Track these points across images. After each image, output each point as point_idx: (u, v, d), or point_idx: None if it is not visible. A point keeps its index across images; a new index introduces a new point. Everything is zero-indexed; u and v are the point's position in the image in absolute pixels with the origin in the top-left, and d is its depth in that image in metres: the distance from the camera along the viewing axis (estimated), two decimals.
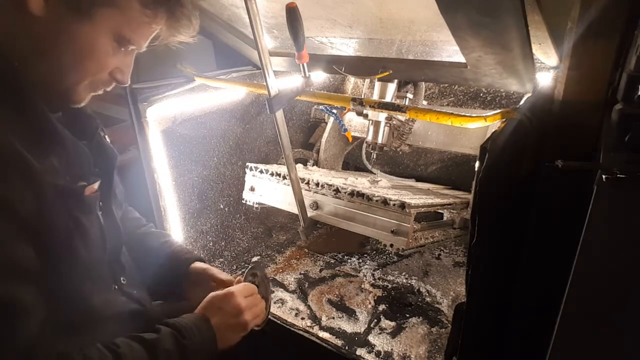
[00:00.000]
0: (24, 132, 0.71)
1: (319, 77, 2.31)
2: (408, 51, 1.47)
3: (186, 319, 0.93)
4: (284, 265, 1.97)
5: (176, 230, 1.76)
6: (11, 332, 0.67)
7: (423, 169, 2.31)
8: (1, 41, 0.71)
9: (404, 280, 1.82)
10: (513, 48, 1.00)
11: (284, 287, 1.80)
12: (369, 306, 1.68)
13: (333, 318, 1.61)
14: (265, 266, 1.94)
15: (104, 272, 0.90)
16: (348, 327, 1.57)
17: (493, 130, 1.18)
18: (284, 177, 1.72)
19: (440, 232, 1.66)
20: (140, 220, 1.23)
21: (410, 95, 1.69)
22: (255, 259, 1.11)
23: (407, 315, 1.62)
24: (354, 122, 2.19)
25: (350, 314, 1.64)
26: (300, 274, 1.89)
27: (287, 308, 1.67)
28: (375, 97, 1.65)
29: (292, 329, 1.53)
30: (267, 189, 1.80)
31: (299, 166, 2.03)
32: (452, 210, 1.77)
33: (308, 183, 1.68)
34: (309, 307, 1.68)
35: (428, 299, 1.71)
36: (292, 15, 1.19)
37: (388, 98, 1.63)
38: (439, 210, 1.75)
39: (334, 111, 2.19)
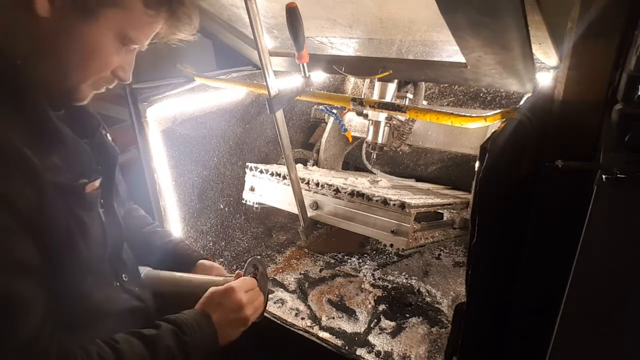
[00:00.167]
0: (26, 131, 0.72)
1: (319, 77, 2.31)
2: (408, 51, 1.47)
3: (187, 314, 0.93)
4: (284, 265, 1.97)
5: (176, 230, 1.76)
6: (11, 327, 0.67)
7: (423, 169, 2.31)
8: (5, 41, 0.72)
9: (404, 280, 1.82)
10: (513, 48, 1.00)
11: (284, 287, 1.80)
12: (369, 306, 1.68)
13: (333, 318, 1.61)
14: (266, 266, 1.93)
15: (105, 269, 0.90)
16: (348, 327, 1.57)
17: (493, 130, 1.18)
18: (284, 177, 1.72)
19: (440, 232, 1.66)
20: (145, 219, 1.24)
21: (410, 95, 1.69)
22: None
23: (407, 315, 1.62)
24: (354, 122, 2.19)
25: (350, 314, 1.64)
26: (300, 274, 1.89)
27: (287, 308, 1.67)
28: (375, 97, 1.65)
29: (292, 329, 1.53)
30: (267, 189, 1.80)
31: (299, 166, 2.03)
32: (452, 210, 1.77)
33: (308, 183, 1.68)
34: (309, 307, 1.68)
35: (428, 299, 1.71)
36: (292, 15, 1.19)
37: (388, 98, 1.63)
38: (439, 210, 1.75)
39: (334, 111, 2.19)
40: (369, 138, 1.80)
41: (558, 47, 1.14)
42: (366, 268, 1.92)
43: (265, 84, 1.40)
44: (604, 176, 0.60)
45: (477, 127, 1.13)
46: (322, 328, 1.57)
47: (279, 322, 1.55)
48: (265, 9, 1.42)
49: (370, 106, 1.36)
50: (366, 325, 1.58)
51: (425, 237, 1.57)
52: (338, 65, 1.53)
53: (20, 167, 0.68)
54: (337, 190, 1.61)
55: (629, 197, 0.62)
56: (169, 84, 1.64)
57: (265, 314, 1.52)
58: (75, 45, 0.75)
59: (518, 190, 0.93)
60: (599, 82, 0.80)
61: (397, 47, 1.47)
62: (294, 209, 1.67)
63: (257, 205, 1.87)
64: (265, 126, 2.17)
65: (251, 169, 1.84)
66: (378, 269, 1.91)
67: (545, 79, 1.16)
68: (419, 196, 1.71)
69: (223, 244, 2.02)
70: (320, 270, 1.91)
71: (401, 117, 1.74)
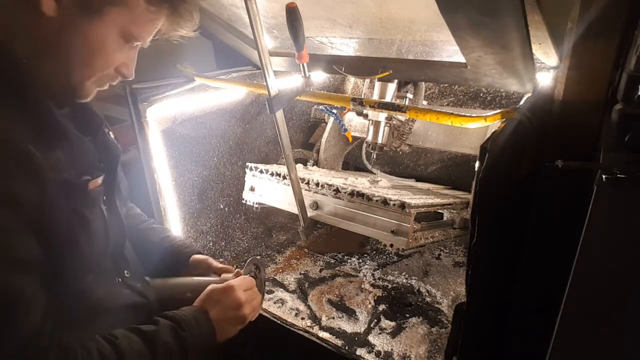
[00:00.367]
0: (30, 128, 0.73)
1: (319, 77, 2.31)
2: (408, 51, 1.47)
3: (185, 311, 0.94)
4: (284, 265, 1.97)
5: (176, 230, 1.76)
6: (11, 325, 0.68)
7: (423, 169, 2.31)
8: (11, 39, 0.73)
9: (404, 280, 1.82)
10: (513, 48, 1.00)
11: (284, 287, 1.80)
12: (369, 306, 1.68)
13: (333, 318, 1.61)
14: (266, 266, 1.94)
15: (107, 266, 0.91)
16: (348, 327, 1.57)
17: (493, 130, 1.18)
18: (284, 177, 1.72)
19: (440, 232, 1.66)
20: (142, 217, 1.25)
21: (410, 95, 1.69)
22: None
23: (407, 315, 1.62)
24: (354, 122, 2.19)
25: (350, 314, 1.64)
26: (300, 274, 1.89)
27: (287, 308, 1.67)
28: (375, 97, 1.65)
29: (292, 329, 1.53)
30: (267, 189, 1.80)
31: (299, 166, 2.03)
32: (452, 210, 1.77)
33: (308, 183, 1.68)
34: (309, 307, 1.68)
35: (428, 299, 1.71)
36: (292, 15, 1.19)
37: (388, 98, 1.63)
38: (439, 210, 1.75)
39: (334, 111, 2.18)
40: (369, 138, 1.80)
41: (558, 47, 1.14)
42: (366, 268, 1.92)
43: (265, 84, 1.40)
44: (604, 176, 0.60)
45: (477, 127, 1.13)
46: (322, 328, 1.57)
47: (279, 322, 1.55)
48: (265, 9, 1.42)
49: (370, 106, 1.36)
50: (366, 325, 1.58)
51: (425, 237, 1.57)
52: (338, 65, 1.53)
53: (23, 164, 0.69)
54: (337, 190, 1.61)
55: (629, 197, 0.62)
56: (169, 84, 1.64)
57: (265, 314, 1.53)
58: (80, 43, 0.76)
59: (518, 190, 0.93)
60: (599, 82, 0.80)
61: (397, 47, 1.47)
62: (294, 209, 1.67)
63: (257, 205, 1.87)
64: (265, 126, 2.17)
65: (251, 169, 1.84)
66: (378, 269, 1.91)
67: (545, 79, 1.16)
68: (419, 196, 1.71)
69: (223, 244, 2.02)
70: (320, 270, 1.91)
71: (401, 117, 1.74)
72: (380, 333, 1.54)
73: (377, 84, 1.65)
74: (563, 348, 0.75)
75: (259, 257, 1.20)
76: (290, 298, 1.73)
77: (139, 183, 1.60)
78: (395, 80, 1.62)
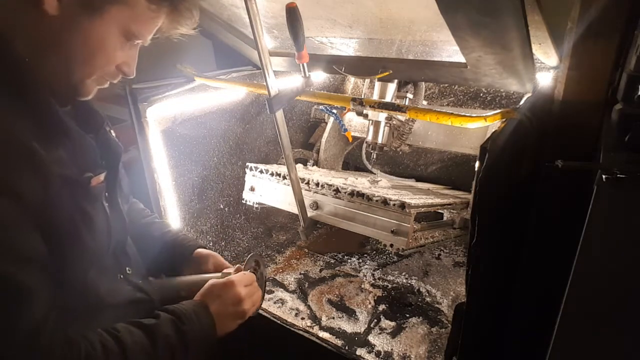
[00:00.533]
0: (33, 125, 0.73)
1: (319, 77, 2.31)
2: (408, 51, 1.47)
3: (185, 305, 0.95)
4: (284, 265, 1.96)
5: None
6: (16, 317, 0.68)
7: (423, 169, 2.31)
8: (13, 38, 0.74)
9: (404, 280, 1.82)
10: (513, 48, 1.00)
11: (284, 287, 1.80)
12: (369, 306, 1.67)
13: (333, 318, 1.61)
14: (266, 266, 1.93)
15: (109, 262, 0.92)
16: (348, 327, 1.57)
17: (493, 130, 1.18)
18: (284, 177, 1.72)
19: (440, 232, 1.66)
20: (145, 211, 1.26)
21: (410, 95, 1.69)
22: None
23: (407, 315, 1.62)
24: (354, 122, 2.19)
25: (350, 314, 1.64)
26: (300, 274, 1.89)
27: (287, 308, 1.67)
28: (375, 97, 1.65)
29: (292, 329, 1.53)
30: (267, 189, 1.80)
31: (299, 166, 2.03)
32: (452, 210, 1.77)
33: (308, 183, 1.68)
34: (309, 307, 1.68)
35: (428, 299, 1.71)
36: (292, 15, 1.19)
37: (388, 98, 1.63)
38: (439, 210, 1.75)
39: (334, 111, 2.18)
40: (369, 138, 1.80)
41: (558, 47, 1.14)
42: (366, 268, 1.92)
43: (265, 84, 1.40)
44: (604, 176, 0.60)
45: (477, 127, 1.13)
46: (322, 328, 1.57)
47: (279, 322, 1.55)
48: (265, 9, 1.42)
49: (370, 106, 1.36)
50: (366, 325, 1.58)
51: (425, 237, 1.57)
52: (338, 65, 1.53)
53: (27, 159, 0.70)
54: (337, 190, 1.61)
55: (629, 197, 0.62)
56: (169, 84, 1.64)
57: (265, 314, 1.53)
58: (81, 42, 0.77)
59: (518, 190, 0.93)
60: (599, 82, 0.80)
61: (397, 47, 1.47)
62: (294, 209, 1.67)
63: (257, 205, 1.87)
64: (265, 126, 2.17)
65: (251, 169, 1.83)
66: (378, 269, 1.91)
67: (545, 79, 1.16)
68: (419, 196, 1.71)
69: (223, 244, 2.02)
70: (320, 270, 1.91)
71: (401, 117, 1.74)
72: (380, 333, 1.54)
73: (377, 84, 1.65)
74: (563, 348, 0.75)
75: (259, 254, 1.20)
76: (290, 298, 1.73)
77: (139, 183, 1.60)
78: (395, 80, 1.62)
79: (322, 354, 1.46)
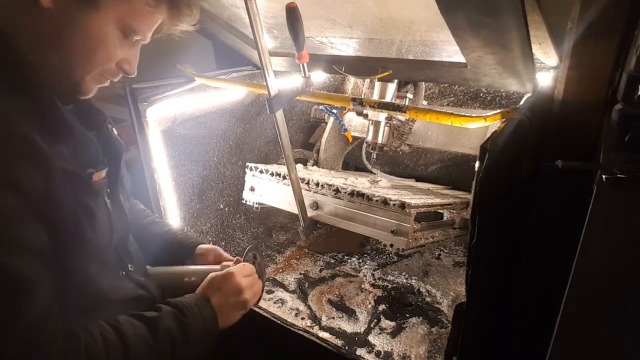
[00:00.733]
0: (36, 122, 0.74)
1: (319, 77, 2.31)
2: (408, 51, 1.47)
3: (187, 298, 0.96)
4: (284, 265, 1.96)
5: None
6: (19, 308, 0.69)
7: (423, 169, 2.31)
8: (16, 36, 0.74)
9: (404, 280, 1.82)
10: (513, 48, 1.00)
11: (284, 287, 1.80)
12: (369, 306, 1.67)
13: (333, 318, 1.61)
14: (266, 266, 1.94)
15: (111, 259, 0.93)
16: (348, 327, 1.57)
17: (493, 130, 1.18)
18: (284, 177, 1.72)
19: (440, 232, 1.66)
20: (145, 212, 1.27)
21: (410, 95, 1.69)
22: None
23: (407, 315, 1.62)
24: (354, 122, 2.19)
25: (350, 314, 1.64)
26: (300, 274, 1.89)
27: (287, 308, 1.67)
28: (375, 97, 1.65)
29: (292, 329, 1.53)
30: (267, 189, 1.80)
31: (299, 166, 2.03)
32: (452, 210, 1.77)
33: (308, 183, 1.68)
34: (309, 307, 1.68)
35: (428, 299, 1.71)
36: (292, 15, 1.19)
37: (388, 98, 1.63)
38: (439, 210, 1.75)
39: (334, 111, 2.18)
40: (369, 138, 1.80)
41: (558, 47, 1.14)
42: (366, 268, 1.92)
43: (265, 84, 1.40)
44: (604, 176, 0.60)
45: (477, 127, 1.13)
46: (322, 328, 1.57)
47: (279, 322, 1.55)
48: (265, 9, 1.42)
49: (370, 106, 1.36)
50: (366, 325, 1.58)
51: (425, 237, 1.57)
52: (338, 65, 1.53)
53: (30, 153, 0.71)
54: (337, 190, 1.61)
55: (629, 197, 0.62)
56: (169, 84, 1.64)
57: (265, 314, 1.52)
58: (78, 37, 0.77)
59: (518, 190, 0.93)
60: (599, 82, 0.80)
61: (397, 47, 1.47)
62: (294, 209, 1.67)
63: (257, 205, 1.87)
64: (265, 126, 2.17)
65: (251, 169, 1.83)
66: (378, 269, 1.91)
67: (545, 79, 1.16)
68: (419, 196, 1.71)
69: (223, 244, 2.02)
70: (320, 270, 1.91)
71: (401, 117, 1.74)
72: (380, 333, 1.54)
73: (377, 84, 1.65)
74: (563, 348, 0.75)
75: (257, 245, 1.21)
76: (290, 298, 1.73)
77: (139, 183, 1.60)
78: (395, 80, 1.62)
79: (322, 354, 1.46)
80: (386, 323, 1.58)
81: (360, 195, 1.55)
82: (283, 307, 1.68)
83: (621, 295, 0.68)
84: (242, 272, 1.05)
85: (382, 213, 1.51)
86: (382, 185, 1.93)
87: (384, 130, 1.77)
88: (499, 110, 1.08)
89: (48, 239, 0.73)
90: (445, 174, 2.25)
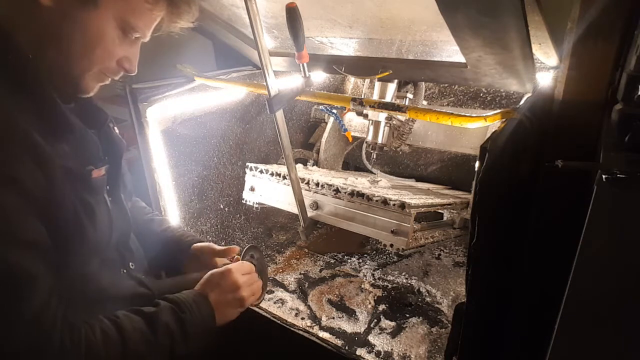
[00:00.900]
0: (37, 119, 0.75)
1: (319, 77, 2.31)
2: (408, 51, 1.47)
3: (185, 294, 0.97)
4: (284, 265, 1.96)
5: None
6: (18, 299, 0.70)
7: (423, 169, 2.31)
8: (15, 33, 0.75)
9: (404, 280, 1.82)
10: (513, 48, 1.00)
11: (284, 287, 1.80)
12: (369, 306, 1.67)
13: (333, 318, 1.61)
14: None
15: (112, 256, 0.94)
16: (348, 327, 1.57)
17: (493, 130, 1.18)
18: (284, 177, 1.72)
19: (440, 232, 1.66)
20: (145, 209, 1.29)
21: (410, 95, 1.69)
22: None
23: (407, 315, 1.62)
24: (354, 122, 2.19)
25: (350, 314, 1.64)
26: (300, 274, 1.89)
27: (287, 308, 1.67)
28: (375, 97, 1.65)
29: (292, 329, 1.53)
30: (267, 189, 1.80)
31: (299, 166, 2.03)
32: (452, 210, 1.77)
33: (308, 183, 1.68)
34: (309, 307, 1.68)
35: (428, 299, 1.71)
36: (292, 15, 1.19)
37: (388, 98, 1.63)
38: (439, 210, 1.75)
39: (334, 111, 2.18)
40: (369, 138, 1.80)
41: (558, 47, 1.14)
42: (366, 268, 1.92)
43: (265, 84, 1.40)
44: (604, 176, 0.60)
45: (477, 127, 1.13)
46: (322, 328, 1.57)
47: (279, 322, 1.55)
48: (265, 9, 1.42)
49: (370, 106, 1.35)
50: (366, 325, 1.58)
51: (425, 237, 1.57)
52: (338, 65, 1.53)
53: (30, 150, 0.71)
54: (337, 190, 1.61)
55: (629, 197, 0.62)
56: (169, 84, 1.64)
57: (265, 314, 1.52)
58: (77, 34, 0.77)
59: (518, 190, 0.93)
60: (599, 82, 0.80)
61: (397, 47, 1.47)
62: (294, 209, 1.67)
63: (257, 205, 1.87)
64: (265, 126, 2.17)
65: (251, 169, 1.83)
66: (378, 269, 1.91)
67: (545, 79, 1.16)
68: (419, 196, 1.71)
69: (223, 244, 2.02)
70: (320, 270, 1.91)
71: (401, 117, 1.74)
72: (380, 333, 1.54)
73: (377, 84, 1.65)
74: (563, 348, 0.75)
75: (257, 244, 1.22)
76: (290, 298, 1.73)
77: (139, 183, 1.60)
78: (395, 80, 1.62)
79: (322, 354, 1.46)
80: (386, 323, 1.58)
81: (360, 195, 1.55)
82: (283, 307, 1.68)
83: (621, 295, 0.68)
84: (240, 269, 1.05)
85: (382, 213, 1.51)
86: (382, 185, 1.93)
87: (384, 130, 1.77)
88: (499, 110, 1.08)
89: (48, 233, 0.74)
90: (445, 174, 2.25)
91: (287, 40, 1.48)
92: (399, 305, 1.68)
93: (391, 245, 1.50)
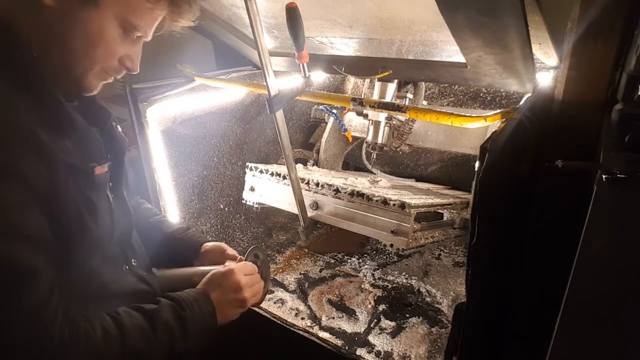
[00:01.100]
0: (41, 117, 0.75)
1: (319, 77, 2.31)
2: (408, 51, 1.47)
3: (186, 292, 0.97)
4: (284, 265, 1.96)
5: None
6: (19, 293, 0.70)
7: (423, 169, 2.31)
8: (20, 32, 0.75)
9: (404, 280, 1.82)
10: (513, 48, 1.00)
11: (284, 287, 1.80)
12: (369, 306, 1.67)
13: (333, 318, 1.61)
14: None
15: (115, 253, 0.94)
16: (348, 327, 1.57)
17: (493, 130, 1.18)
18: (284, 177, 1.72)
19: (440, 232, 1.66)
20: (152, 210, 1.29)
21: (410, 95, 1.69)
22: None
23: (407, 315, 1.62)
24: (354, 122, 2.19)
25: (350, 314, 1.64)
26: (300, 274, 1.89)
27: (287, 308, 1.67)
28: (375, 97, 1.65)
29: (292, 329, 1.53)
30: (267, 189, 1.80)
31: (299, 166, 2.03)
32: (452, 210, 1.77)
33: (308, 183, 1.68)
34: (309, 307, 1.68)
35: (428, 299, 1.71)
36: (292, 15, 1.19)
37: (388, 98, 1.63)
38: (439, 210, 1.75)
39: (334, 111, 2.19)
40: (369, 138, 1.80)
41: (558, 47, 1.14)
42: (366, 268, 1.92)
43: (265, 84, 1.40)
44: (604, 176, 0.60)
45: (477, 127, 1.13)
46: (322, 328, 1.57)
47: (279, 322, 1.55)
48: (265, 9, 1.42)
49: (370, 106, 1.36)
50: (366, 325, 1.58)
51: (425, 237, 1.57)
52: (338, 65, 1.53)
53: (33, 145, 0.72)
54: (337, 190, 1.61)
55: (629, 197, 0.62)
56: (169, 84, 1.64)
57: (265, 314, 1.52)
58: (79, 33, 0.78)
59: (518, 190, 0.93)
60: (599, 82, 0.80)
61: (397, 47, 1.47)
62: (294, 209, 1.67)
63: (257, 205, 1.87)
64: (265, 126, 2.17)
65: (251, 169, 1.83)
66: (378, 269, 1.91)
67: (545, 79, 1.16)
68: (419, 196, 1.71)
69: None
70: (320, 270, 1.91)
71: (401, 117, 1.74)
72: (380, 333, 1.54)
73: (377, 84, 1.65)
74: (563, 348, 0.75)
75: (261, 246, 1.21)
76: (290, 298, 1.73)
77: (139, 183, 1.60)
78: (395, 80, 1.62)
79: (322, 354, 1.46)
80: (386, 323, 1.58)
81: (360, 195, 1.55)
82: (283, 307, 1.68)
83: (621, 295, 0.68)
84: (243, 270, 1.06)
85: (382, 213, 1.51)
86: (382, 185, 1.93)
87: (384, 130, 1.77)
88: (499, 110, 1.08)
89: (50, 228, 0.75)
90: (445, 174, 2.25)
91: (287, 40, 1.48)
92: (399, 305, 1.68)
93: (391, 245, 1.50)
